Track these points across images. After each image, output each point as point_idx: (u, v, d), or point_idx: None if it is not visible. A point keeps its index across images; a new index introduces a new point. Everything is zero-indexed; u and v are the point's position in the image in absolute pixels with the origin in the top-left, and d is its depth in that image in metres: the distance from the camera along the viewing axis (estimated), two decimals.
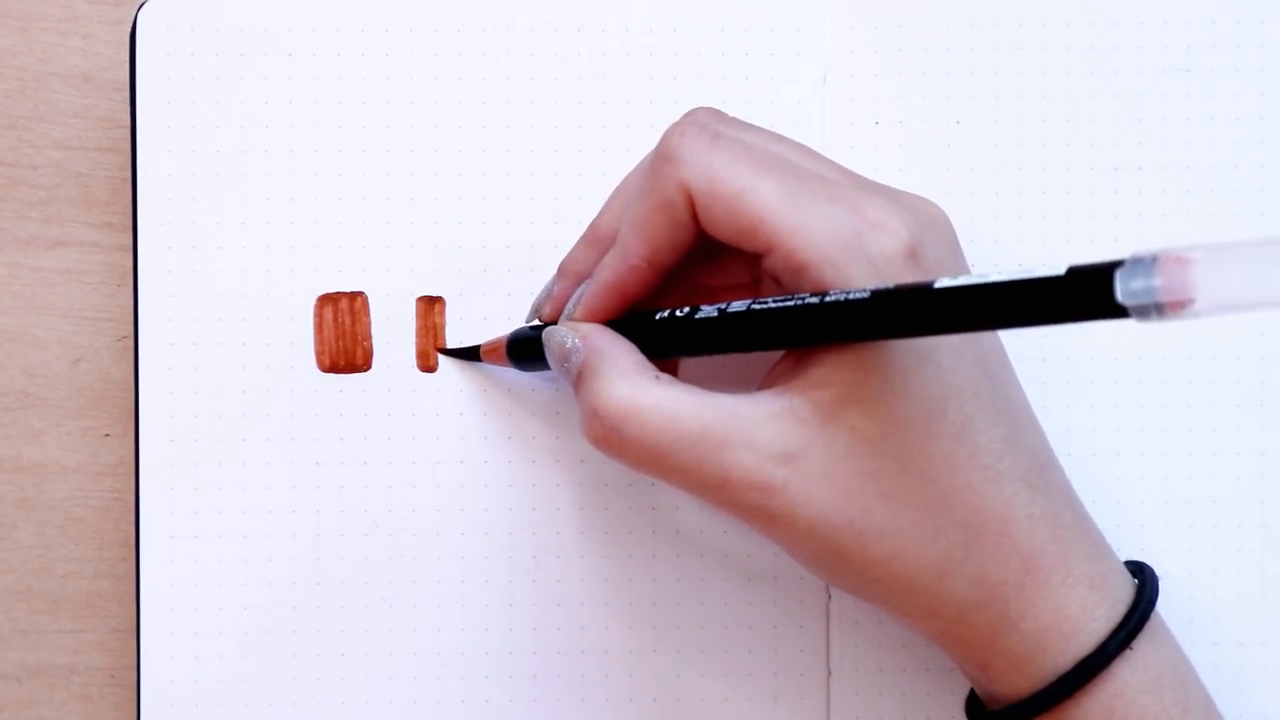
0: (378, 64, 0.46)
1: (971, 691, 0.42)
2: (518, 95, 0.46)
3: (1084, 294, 0.31)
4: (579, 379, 0.39)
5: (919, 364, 0.37)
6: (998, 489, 0.37)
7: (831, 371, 0.36)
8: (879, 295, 0.35)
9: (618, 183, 0.42)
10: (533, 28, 0.45)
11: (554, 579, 0.45)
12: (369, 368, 0.46)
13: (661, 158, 0.38)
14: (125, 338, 0.47)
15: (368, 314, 0.46)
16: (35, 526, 0.47)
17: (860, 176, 0.40)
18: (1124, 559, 0.41)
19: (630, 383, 0.38)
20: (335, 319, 0.46)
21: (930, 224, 0.39)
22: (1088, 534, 0.39)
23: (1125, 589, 0.39)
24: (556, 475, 0.45)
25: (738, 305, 0.38)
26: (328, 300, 0.46)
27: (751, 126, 0.40)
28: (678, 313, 0.39)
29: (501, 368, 0.45)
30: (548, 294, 0.42)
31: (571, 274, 0.42)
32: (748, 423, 0.37)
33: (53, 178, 0.47)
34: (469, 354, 0.45)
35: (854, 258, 0.36)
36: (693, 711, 0.45)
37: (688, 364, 0.43)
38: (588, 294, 0.40)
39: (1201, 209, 0.45)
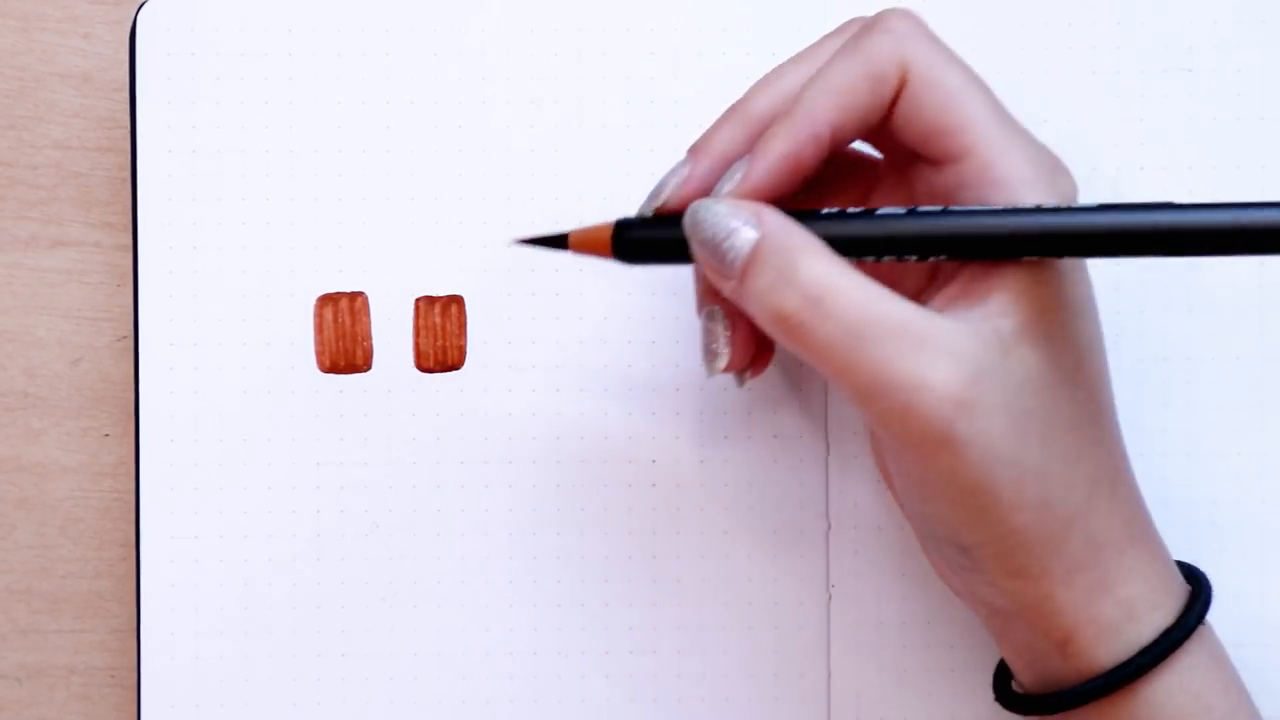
0: (378, 64, 0.46)
1: (998, 679, 0.41)
2: (518, 95, 0.46)
3: None
4: (756, 257, 0.36)
5: (1078, 310, 0.37)
6: (1112, 450, 0.38)
7: (1015, 299, 0.36)
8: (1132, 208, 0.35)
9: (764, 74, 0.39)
10: (533, 27, 0.45)
11: (554, 579, 0.45)
12: (369, 368, 0.46)
13: (882, 30, 0.37)
14: (125, 338, 0.47)
15: (368, 314, 0.46)
16: (35, 526, 0.47)
17: None
18: None
19: (829, 261, 0.35)
20: (335, 319, 0.46)
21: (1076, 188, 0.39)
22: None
23: (1179, 574, 0.39)
24: (557, 475, 0.45)
25: (931, 208, 0.37)
26: (328, 300, 0.46)
27: None
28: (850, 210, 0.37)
29: (592, 258, 0.40)
30: (676, 176, 0.38)
31: (712, 153, 0.38)
32: (946, 332, 0.35)
33: (53, 178, 0.47)
34: (555, 242, 0.40)
35: (1049, 188, 0.36)
36: (693, 711, 0.45)
37: None
38: (755, 166, 0.37)
39: None
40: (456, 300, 0.46)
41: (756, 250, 0.36)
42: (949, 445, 0.35)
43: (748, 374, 0.41)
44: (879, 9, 0.45)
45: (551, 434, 0.46)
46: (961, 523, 0.37)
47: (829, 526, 0.45)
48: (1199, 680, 0.38)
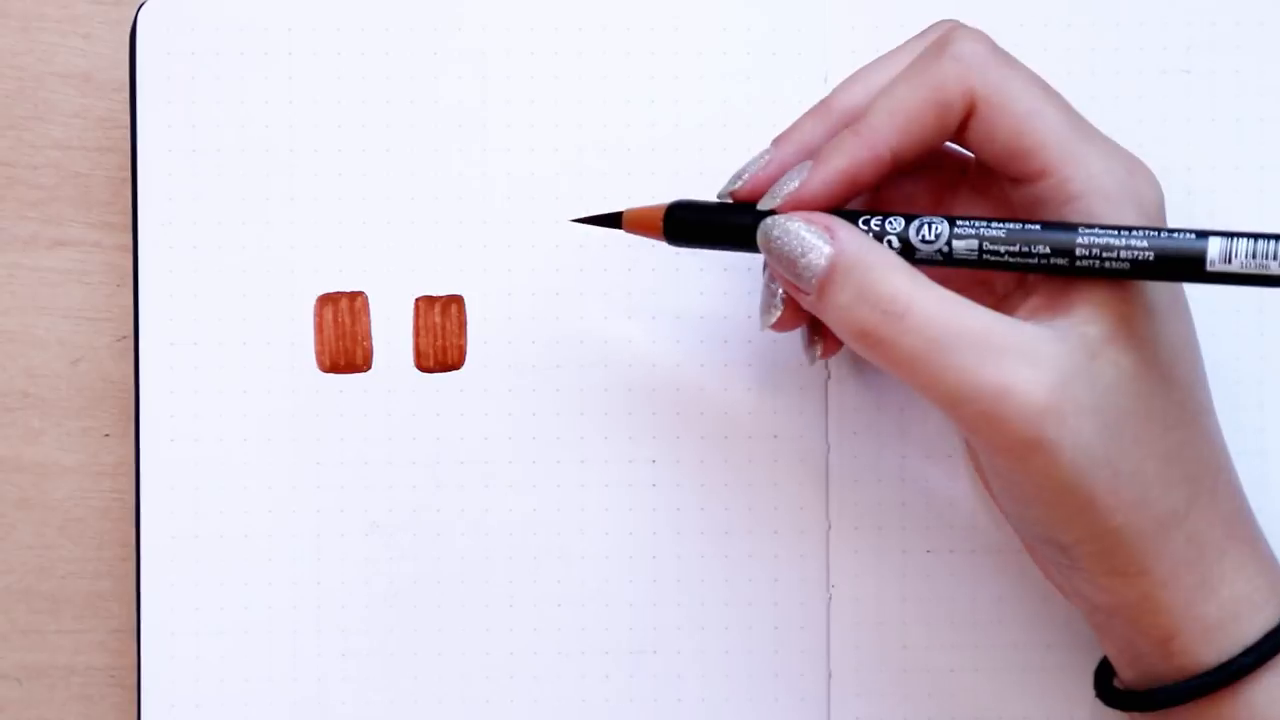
0: (378, 64, 0.46)
1: (1100, 672, 0.41)
2: (518, 94, 0.46)
3: None
4: (833, 273, 0.36)
5: (1167, 312, 0.37)
6: (1212, 449, 0.38)
7: (1099, 307, 0.36)
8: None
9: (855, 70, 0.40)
10: (534, 26, 0.45)
11: (554, 579, 0.45)
12: (369, 368, 0.46)
13: (952, 57, 0.37)
14: (125, 338, 0.47)
15: (368, 314, 0.46)
16: (35, 526, 0.47)
17: None
18: None
19: (908, 275, 0.36)
20: (335, 319, 0.46)
21: (1158, 183, 0.39)
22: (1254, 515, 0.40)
23: None
24: (557, 475, 0.45)
25: (998, 225, 0.37)
26: (328, 300, 0.46)
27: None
28: (919, 223, 0.38)
29: (644, 239, 0.41)
30: (759, 162, 0.39)
31: (795, 143, 0.39)
32: (1030, 339, 0.35)
33: (53, 178, 0.47)
34: (609, 221, 0.42)
35: (1127, 197, 0.36)
36: (693, 711, 0.45)
37: None
38: (814, 175, 0.38)
39: (1202, 210, 0.45)
40: (456, 300, 0.46)
41: (833, 267, 0.36)
42: (1040, 448, 0.35)
43: (819, 349, 0.42)
44: (873, 16, 0.45)
45: (551, 434, 0.46)
46: (1059, 522, 0.37)
47: (829, 526, 0.45)
48: None
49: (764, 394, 0.45)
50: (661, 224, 0.40)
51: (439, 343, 0.46)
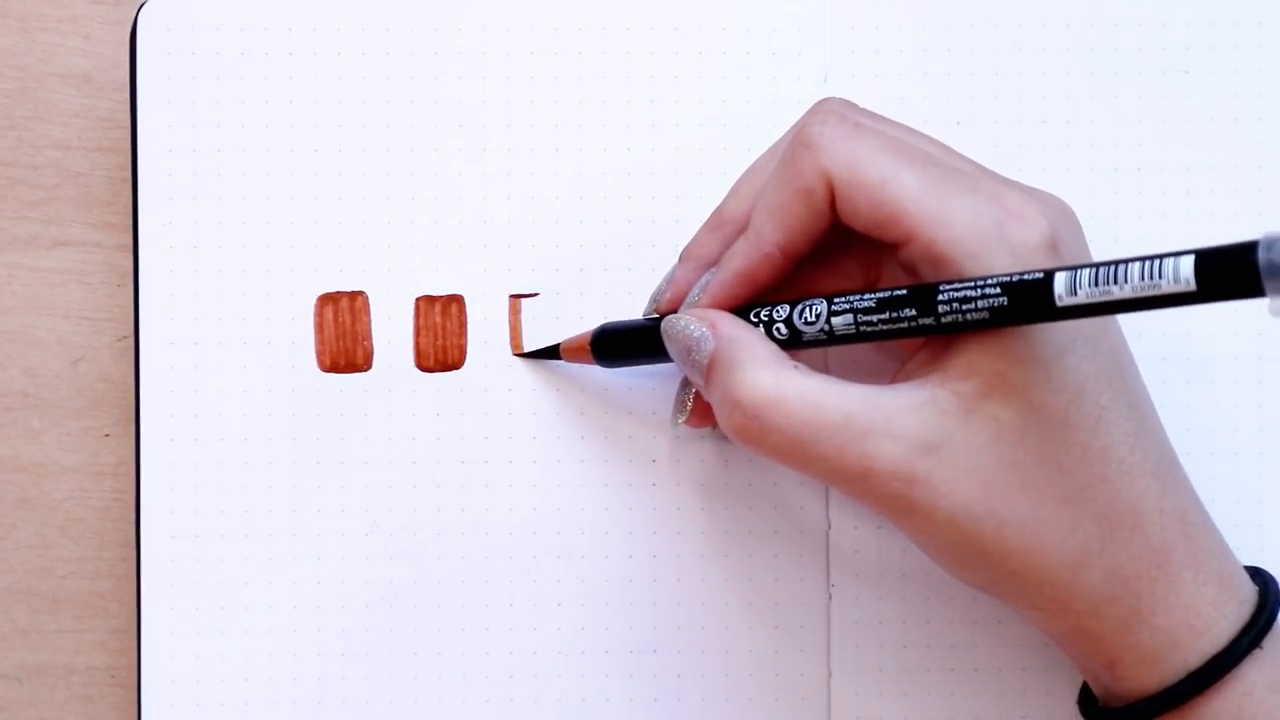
0: (378, 63, 0.46)
1: (1084, 690, 0.42)
2: (518, 94, 0.46)
3: (1221, 274, 0.32)
4: (711, 369, 0.38)
5: (1059, 355, 0.37)
6: (1130, 482, 0.37)
7: (974, 362, 0.36)
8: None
9: (744, 168, 0.42)
10: (534, 26, 0.45)
11: (555, 579, 0.45)
12: (369, 367, 0.46)
13: (802, 145, 0.38)
14: (125, 338, 0.47)
15: (368, 314, 0.46)
16: (35, 526, 0.47)
17: (991, 170, 0.40)
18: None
19: (771, 372, 0.37)
20: (336, 319, 0.46)
21: (1063, 216, 0.39)
22: (1213, 532, 0.39)
23: (1249, 589, 0.39)
24: (557, 475, 0.45)
25: (869, 296, 0.38)
26: (328, 300, 0.46)
27: (885, 118, 0.40)
28: (796, 308, 0.39)
29: (583, 366, 0.45)
30: (669, 282, 0.42)
31: (695, 258, 0.41)
32: (891, 413, 0.36)
33: (53, 178, 0.47)
34: (548, 354, 0.45)
35: (995, 248, 0.36)
36: (693, 711, 0.45)
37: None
38: (715, 281, 0.40)
39: (1200, 210, 0.46)
40: (456, 300, 0.46)
41: (710, 364, 0.38)
42: (913, 513, 0.37)
43: (712, 429, 0.44)
44: (873, 16, 0.45)
45: (551, 434, 0.46)
46: (961, 569, 0.38)
47: (829, 526, 0.45)
48: (1253, 705, 0.38)
49: None
50: (589, 351, 0.44)
51: (439, 342, 0.46)
